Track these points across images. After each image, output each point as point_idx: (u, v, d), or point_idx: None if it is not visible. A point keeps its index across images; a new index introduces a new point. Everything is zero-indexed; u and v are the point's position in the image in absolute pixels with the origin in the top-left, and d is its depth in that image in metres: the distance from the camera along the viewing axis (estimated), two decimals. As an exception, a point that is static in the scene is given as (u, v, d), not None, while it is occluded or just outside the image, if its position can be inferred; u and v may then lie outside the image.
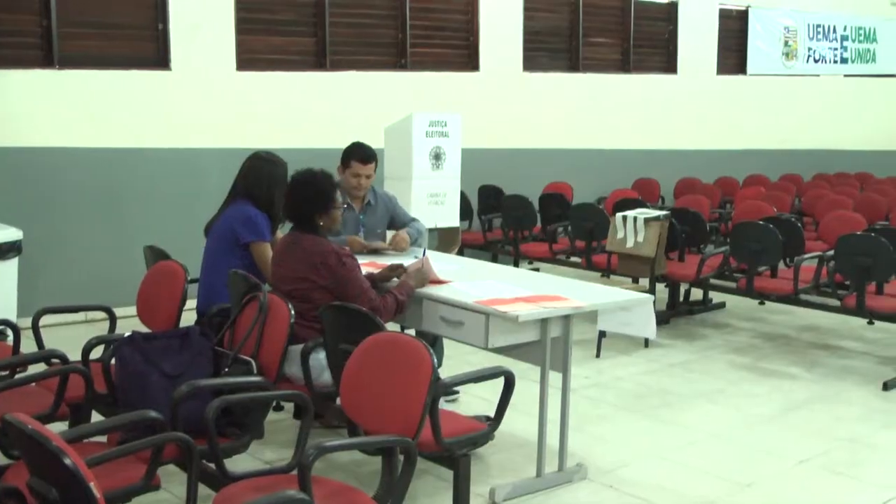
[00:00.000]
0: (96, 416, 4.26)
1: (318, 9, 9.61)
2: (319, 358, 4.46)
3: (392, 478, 3.38)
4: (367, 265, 5.21)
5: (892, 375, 6.85)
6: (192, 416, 3.52)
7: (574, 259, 9.03)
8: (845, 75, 15.14)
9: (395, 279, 4.97)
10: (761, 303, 8.27)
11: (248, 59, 9.16)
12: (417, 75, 10.21)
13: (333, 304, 4.40)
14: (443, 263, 5.62)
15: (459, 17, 10.69)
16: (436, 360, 3.48)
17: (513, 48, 10.89)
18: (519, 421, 5.29)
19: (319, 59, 9.68)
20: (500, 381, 3.98)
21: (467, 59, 10.69)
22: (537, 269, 9.09)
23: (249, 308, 4.35)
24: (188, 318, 4.90)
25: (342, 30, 9.81)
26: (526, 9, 11.00)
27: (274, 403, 5.43)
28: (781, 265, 7.99)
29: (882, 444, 5.66)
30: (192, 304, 5.07)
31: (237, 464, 3.95)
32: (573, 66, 11.55)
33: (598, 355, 7.18)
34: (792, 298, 7.57)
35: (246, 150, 5.63)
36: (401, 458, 3.39)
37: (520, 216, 9.34)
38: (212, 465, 3.55)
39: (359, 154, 5.87)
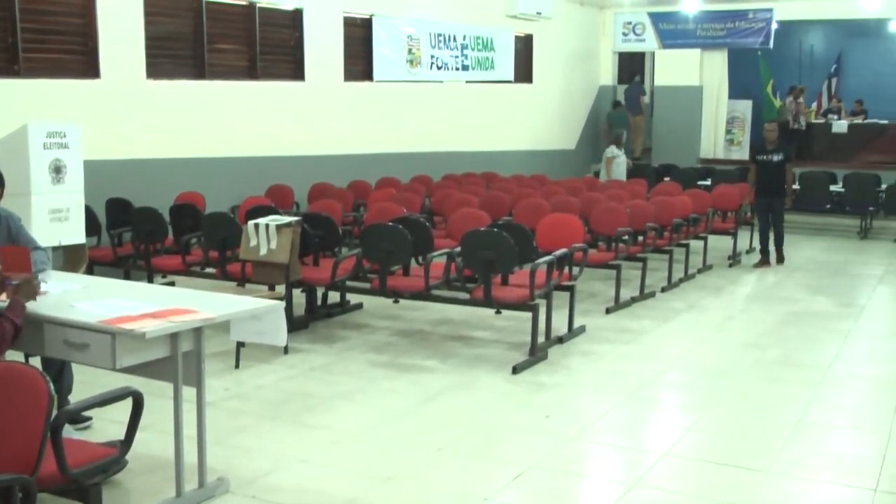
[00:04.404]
0: None
1: (-88, 8, 8.78)
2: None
3: (10, 519, 3.14)
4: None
5: (521, 360, 7.31)
6: None
7: (209, 270, 8.85)
8: (467, 81, 16.00)
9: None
10: (396, 301, 8.52)
11: None
12: (32, 83, 9.56)
13: (-63, 336, 4.02)
14: (68, 283, 5.30)
15: (76, 20, 10.13)
16: (52, 388, 3.26)
17: (135, 54, 10.48)
18: (158, 441, 5.14)
19: (-82, 65, 8.85)
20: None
21: (86, 65, 10.15)
22: (172, 283, 8.83)
23: None
24: None
25: (-58, 33, 9.02)
26: (147, 13, 10.61)
27: None
28: (414, 263, 8.28)
29: (513, 424, 6.04)
30: None
31: None
32: (199, 73, 11.31)
33: (237, 366, 7.07)
34: (424, 294, 7.85)
35: None
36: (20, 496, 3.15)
37: (150, 229, 9.00)
38: None
39: None
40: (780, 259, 12.39)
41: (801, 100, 19.45)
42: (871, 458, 5.49)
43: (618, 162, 15.43)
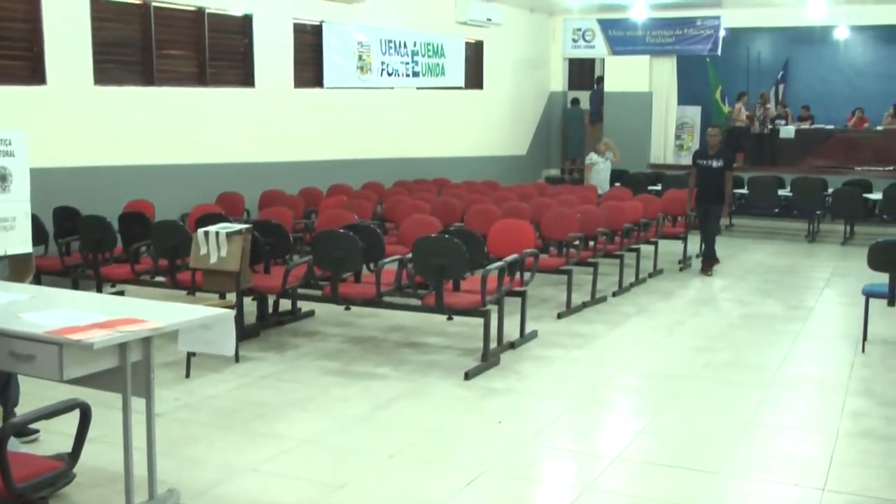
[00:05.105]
0: None
1: None
2: None
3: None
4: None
5: (473, 365, 7.32)
6: None
7: (159, 278, 8.75)
8: (417, 88, 16.00)
9: None
10: (347, 308, 8.50)
11: None
12: (-25, 90, 9.43)
13: None
14: (15, 293, 5.22)
15: (21, 25, 9.97)
16: (-3, 400, 3.20)
17: (82, 60, 10.34)
18: (107, 453, 5.08)
19: None
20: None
21: (32, 71, 10.00)
22: (122, 293, 8.74)
23: None
24: None
25: None
26: (94, 18, 10.46)
27: None
28: (365, 270, 8.26)
29: (464, 430, 6.04)
30: None
31: None
32: (148, 79, 11.18)
33: (187, 375, 7.00)
34: (376, 301, 7.84)
35: None
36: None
37: (99, 238, 8.89)
38: None
39: None
40: (707, 269, 12.23)
41: (768, 105, 19.72)
42: (820, 458, 5.57)
43: (597, 169, 15.02)
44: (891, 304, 8.16)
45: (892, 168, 17.68)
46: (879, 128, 19.77)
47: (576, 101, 20.27)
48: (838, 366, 7.73)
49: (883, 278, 8.18)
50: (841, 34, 20.16)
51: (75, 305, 4.92)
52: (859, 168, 17.84)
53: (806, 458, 5.61)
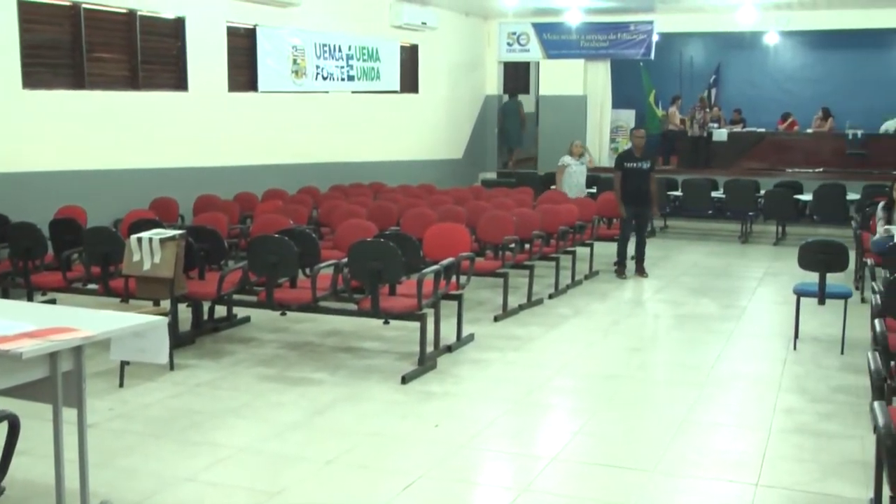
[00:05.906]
0: None
1: None
2: None
3: None
4: None
5: (410, 369, 7.31)
6: None
7: (91, 286, 8.59)
8: (353, 92, 15.95)
9: None
10: (283, 313, 8.43)
11: None
12: None
13: None
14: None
15: (-55, 30, 9.77)
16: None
17: (9, 63, 10.11)
18: (38, 466, 5.00)
19: None
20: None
21: (-42, 76, 9.81)
22: (53, 301, 8.59)
23: None
24: None
25: None
26: (22, 20, 10.24)
27: None
28: (301, 275, 8.21)
29: (402, 434, 6.04)
30: None
31: None
32: (78, 82, 10.98)
33: (121, 384, 6.89)
34: (312, 306, 7.78)
35: None
36: None
37: (29, 245, 8.71)
38: None
39: None
40: (642, 271, 12.25)
41: (707, 109, 19.97)
42: (753, 454, 5.66)
43: (570, 172, 14.29)
44: (821, 302, 8.34)
45: (821, 170, 18.02)
46: (809, 130, 20.18)
47: (513, 95, 20.40)
48: (771, 363, 7.86)
49: (813, 277, 8.35)
50: (771, 39, 20.54)
51: (5, 315, 4.81)
52: (790, 170, 18.16)
53: (740, 455, 5.69)
